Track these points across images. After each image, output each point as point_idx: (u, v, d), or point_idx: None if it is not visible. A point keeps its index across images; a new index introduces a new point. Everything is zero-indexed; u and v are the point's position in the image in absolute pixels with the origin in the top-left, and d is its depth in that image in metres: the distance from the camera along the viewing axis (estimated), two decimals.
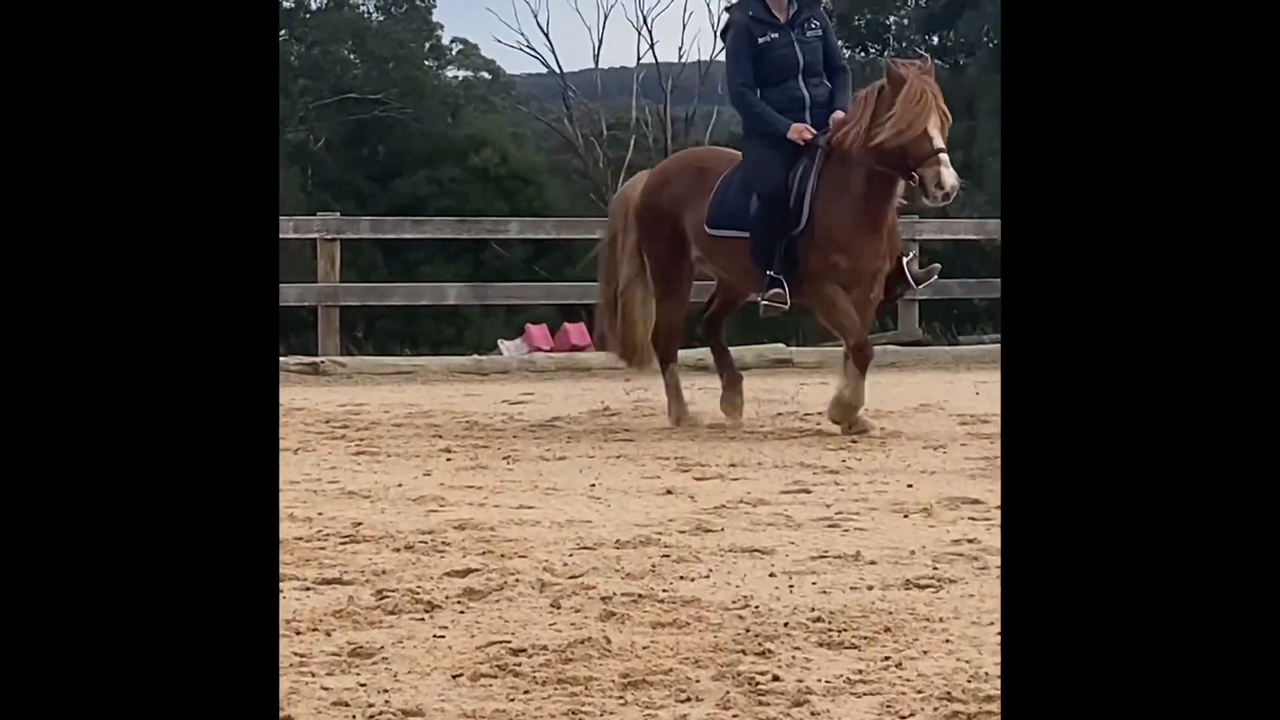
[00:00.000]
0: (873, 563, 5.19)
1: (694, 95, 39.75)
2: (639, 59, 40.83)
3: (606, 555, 5.32)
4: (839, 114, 8.93)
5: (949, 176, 8.42)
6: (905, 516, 6.08)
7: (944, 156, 8.46)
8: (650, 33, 54.92)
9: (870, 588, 4.84)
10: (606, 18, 73.95)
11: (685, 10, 51.34)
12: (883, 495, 6.58)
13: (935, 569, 5.07)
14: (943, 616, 4.44)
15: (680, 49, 54.35)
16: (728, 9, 9.49)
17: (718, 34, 9.89)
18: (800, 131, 8.89)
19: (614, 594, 4.73)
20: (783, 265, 8.86)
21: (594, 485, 6.94)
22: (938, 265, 9.44)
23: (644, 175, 9.99)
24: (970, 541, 5.50)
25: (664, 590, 4.80)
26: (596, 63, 42.22)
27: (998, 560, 5.17)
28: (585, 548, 5.45)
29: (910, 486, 6.83)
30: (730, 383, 9.60)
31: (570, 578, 4.97)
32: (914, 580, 4.90)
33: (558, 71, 40.83)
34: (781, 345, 14.23)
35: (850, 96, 9.08)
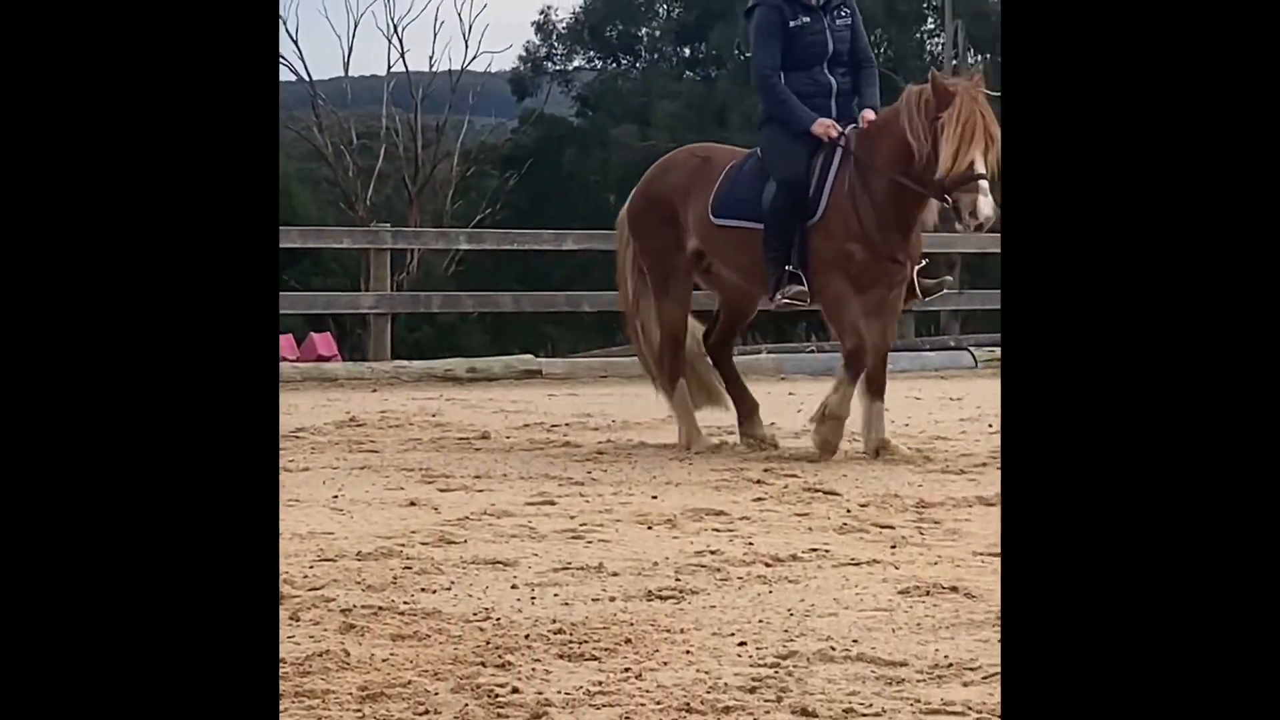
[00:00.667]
0: (615, 574, 5.19)
1: (445, 104, 39.65)
2: (389, 67, 40.64)
3: (348, 567, 5.27)
4: (869, 113, 8.55)
5: (986, 206, 8.04)
6: (649, 528, 6.09)
7: (984, 184, 8.06)
8: (401, 41, 54.76)
9: (612, 599, 4.84)
10: (356, 26, 73.32)
11: (436, 19, 51.19)
12: (627, 507, 6.59)
13: (678, 580, 5.09)
14: (684, 628, 4.45)
15: (431, 58, 54.19)
16: None
17: (742, 14, 9.13)
18: (827, 128, 8.46)
19: (354, 606, 4.68)
20: (800, 258, 8.42)
21: (337, 497, 6.88)
22: (949, 278, 9.07)
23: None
24: (713, 553, 5.52)
25: (405, 603, 4.76)
26: (346, 71, 41.94)
27: (740, 571, 5.22)
28: (326, 560, 5.40)
29: (655, 498, 6.85)
30: (747, 413, 8.95)
31: (310, 590, 4.91)
32: (656, 591, 4.91)
33: (307, 79, 40.47)
34: (530, 356, 14.21)
35: (877, 91, 8.72)
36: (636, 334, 9.26)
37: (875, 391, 8.41)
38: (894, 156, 8.32)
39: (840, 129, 8.49)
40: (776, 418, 9.51)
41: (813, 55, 8.58)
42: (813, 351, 14.94)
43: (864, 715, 3.67)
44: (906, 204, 8.38)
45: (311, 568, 5.26)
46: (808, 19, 8.56)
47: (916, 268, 8.59)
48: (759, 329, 23.45)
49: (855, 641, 4.28)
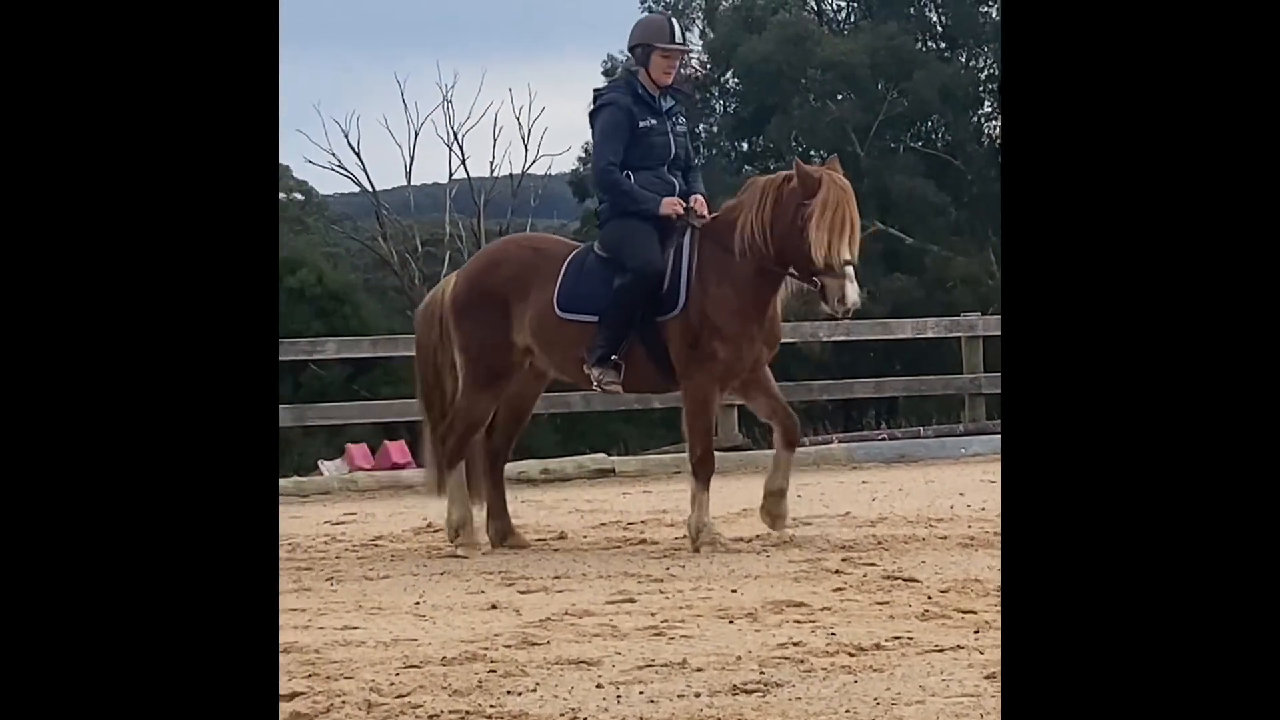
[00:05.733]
0: (699, 670, 5.20)
1: (507, 208, 39.86)
2: (451, 174, 40.87)
3: (433, 673, 5.29)
4: (698, 197, 8.77)
5: (852, 292, 8.22)
6: (730, 622, 6.10)
7: (850, 270, 8.25)
8: (461, 149, 54.67)
9: (698, 695, 4.84)
10: (417, 135, 73.58)
11: (495, 126, 51.37)
12: (707, 601, 6.60)
13: (762, 673, 5.09)
14: None
15: (492, 163, 54.18)
16: (599, 91, 9.11)
17: (587, 113, 9.18)
18: (673, 205, 8.63)
19: (441, 711, 4.70)
20: (656, 351, 8.58)
21: (419, 603, 6.90)
22: None
23: (450, 279, 9.32)
24: (796, 644, 5.52)
25: (491, 706, 4.78)
26: (409, 180, 42.22)
27: (823, 662, 5.21)
28: (412, 666, 5.42)
29: (734, 591, 6.85)
30: (504, 529, 8.98)
31: (397, 697, 4.93)
32: (741, 685, 4.91)
33: (370, 190, 40.79)
34: (603, 455, 14.21)
35: (702, 186, 8.97)
36: (456, 436, 9.01)
37: (704, 480, 8.62)
38: (754, 243, 8.48)
39: (686, 204, 8.69)
40: (851, 506, 9.49)
41: (659, 156, 8.82)
42: (884, 439, 14.91)
43: None
44: (765, 290, 8.61)
45: (397, 675, 5.28)
46: (654, 121, 8.81)
47: (772, 353, 8.85)
48: (829, 419, 23.38)
49: None
